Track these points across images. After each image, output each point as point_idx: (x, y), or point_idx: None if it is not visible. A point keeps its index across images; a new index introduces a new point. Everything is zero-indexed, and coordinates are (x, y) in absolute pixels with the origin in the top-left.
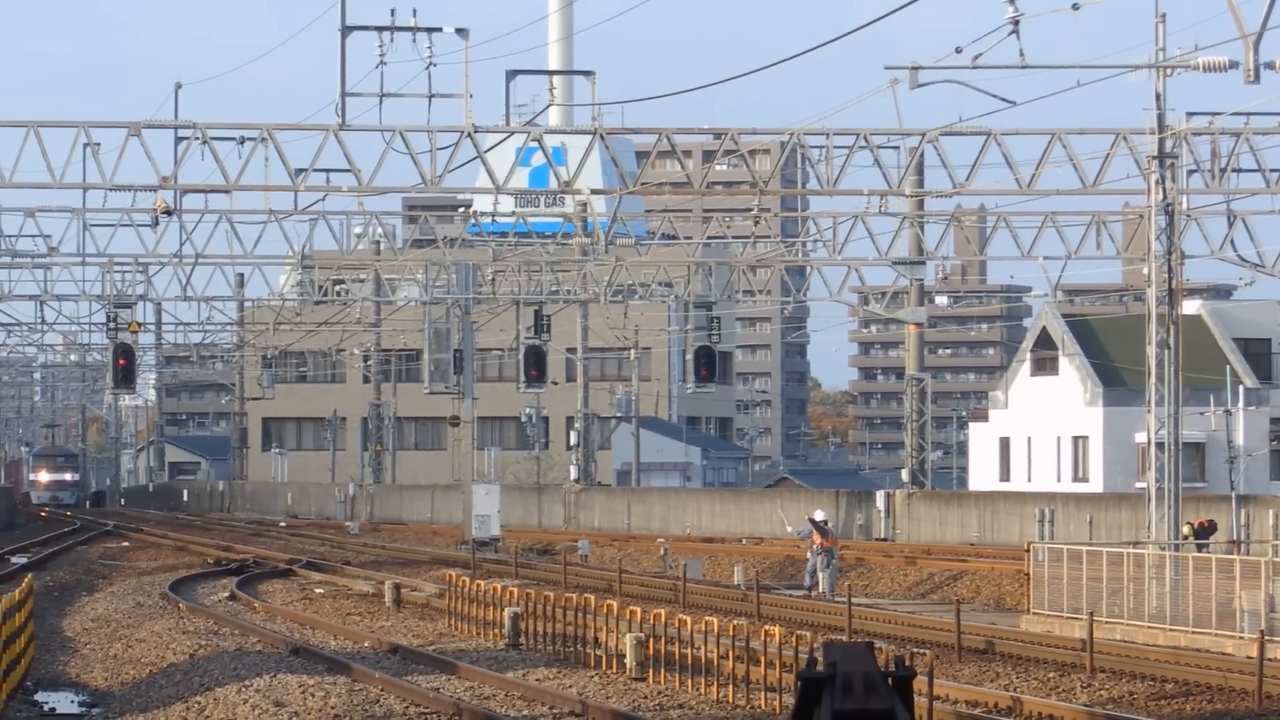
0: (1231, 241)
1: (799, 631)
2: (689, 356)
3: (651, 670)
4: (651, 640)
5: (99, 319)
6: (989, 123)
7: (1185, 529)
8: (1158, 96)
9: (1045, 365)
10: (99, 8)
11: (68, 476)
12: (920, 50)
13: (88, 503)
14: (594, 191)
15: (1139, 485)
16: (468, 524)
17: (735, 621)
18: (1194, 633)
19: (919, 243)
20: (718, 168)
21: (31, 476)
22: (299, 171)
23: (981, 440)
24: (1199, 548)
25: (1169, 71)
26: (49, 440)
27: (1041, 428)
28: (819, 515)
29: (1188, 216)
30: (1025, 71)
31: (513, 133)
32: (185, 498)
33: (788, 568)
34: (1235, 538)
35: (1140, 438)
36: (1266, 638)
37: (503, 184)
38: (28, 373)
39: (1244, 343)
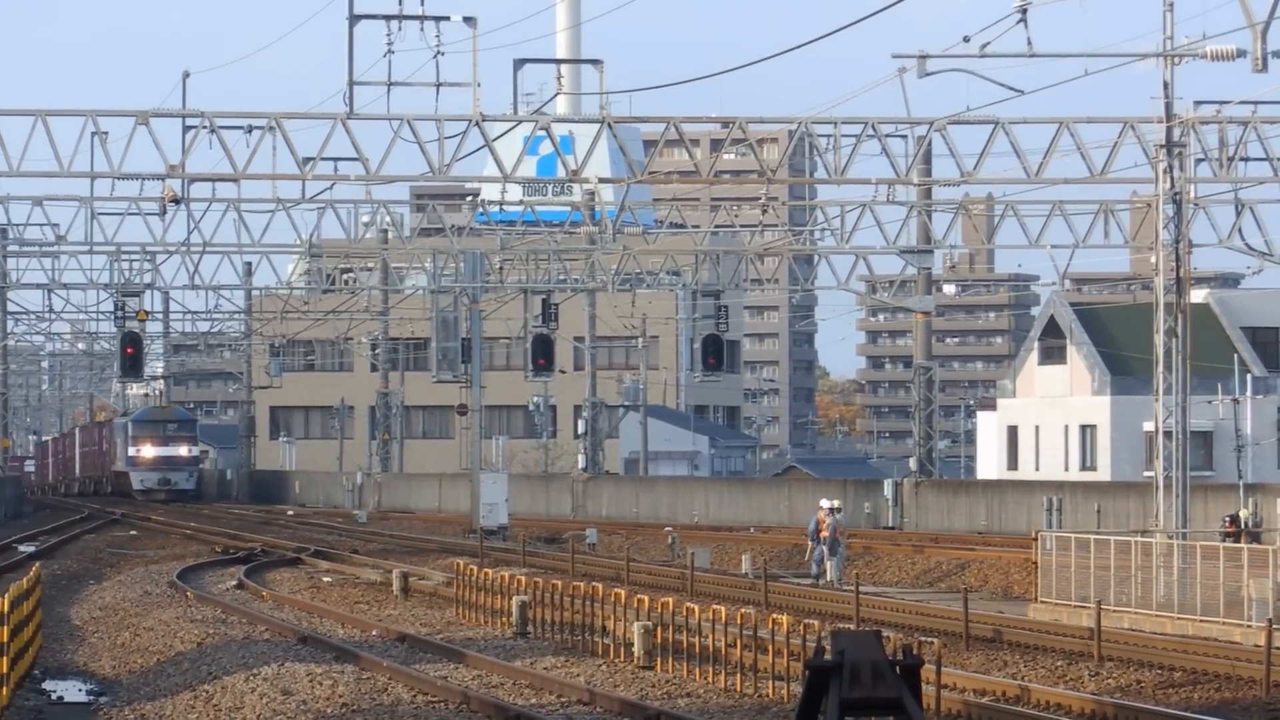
0: (1239, 230)
1: (807, 620)
2: (697, 345)
3: (659, 659)
4: (659, 629)
5: (107, 307)
6: (997, 112)
7: (1244, 513)
8: (1165, 85)
9: (1053, 354)
10: None
11: (183, 451)
12: (928, 39)
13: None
14: (602, 180)
15: (1147, 474)
16: (475, 512)
17: (743, 610)
18: (1202, 621)
19: (927, 231)
20: (725, 156)
21: (131, 451)
22: (307, 160)
23: (989, 429)
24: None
25: (1177, 60)
26: (155, 398)
27: (1049, 416)
28: (826, 503)
29: (1195, 205)
30: (1033, 60)
31: (520, 121)
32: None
33: (795, 556)
34: (1243, 527)
35: (1148, 426)
36: (1274, 626)
37: (510, 173)
38: (35, 361)
39: (1251, 331)
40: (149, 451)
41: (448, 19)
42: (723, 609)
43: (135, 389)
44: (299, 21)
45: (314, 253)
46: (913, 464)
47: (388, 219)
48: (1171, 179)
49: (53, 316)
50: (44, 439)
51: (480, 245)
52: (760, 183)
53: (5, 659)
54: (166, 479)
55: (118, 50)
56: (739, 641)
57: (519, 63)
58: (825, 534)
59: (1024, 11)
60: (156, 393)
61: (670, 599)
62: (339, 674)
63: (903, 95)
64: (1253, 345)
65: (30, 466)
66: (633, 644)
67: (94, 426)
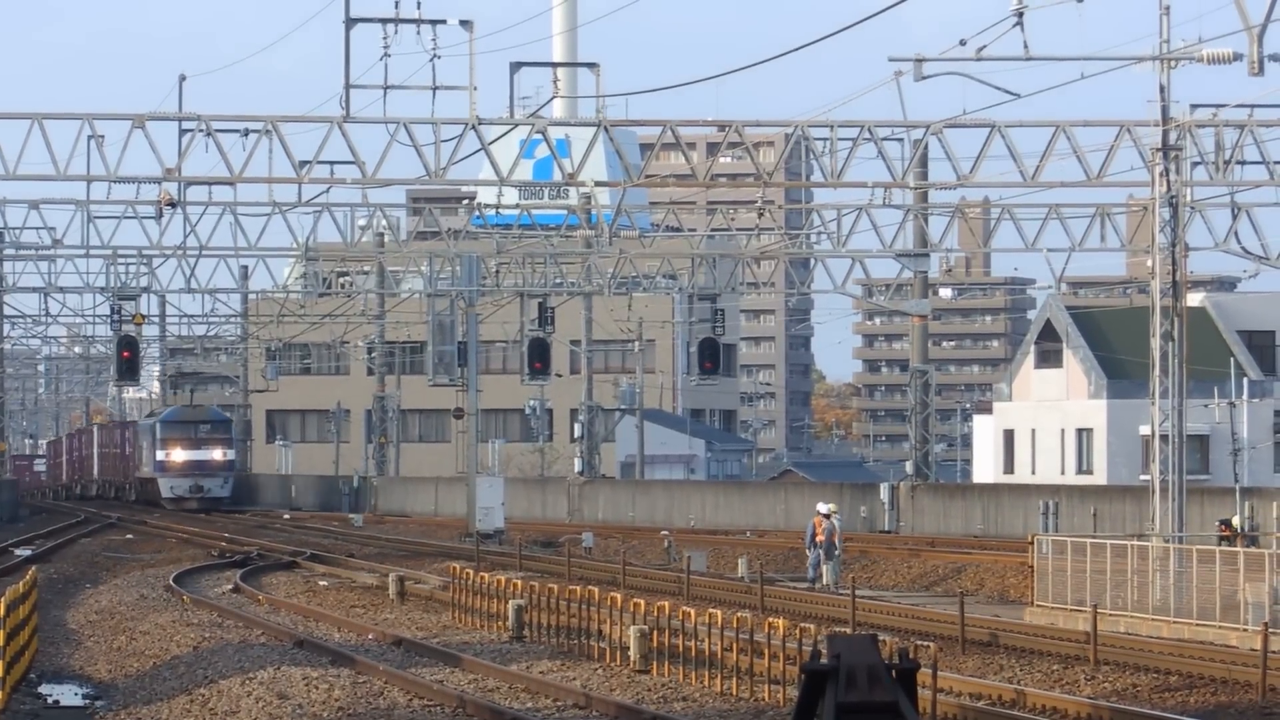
0: (1235, 234)
1: (803, 624)
2: (693, 349)
3: (655, 663)
4: (655, 633)
5: (103, 311)
6: (993, 115)
7: (1236, 520)
8: (1162, 89)
9: (1049, 357)
10: None
11: (217, 455)
12: (925, 42)
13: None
14: (598, 184)
15: (1143, 478)
16: (472, 516)
17: (739, 614)
18: (1198, 625)
19: (923, 235)
20: (722, 160)
21: (159, 456)
22: (303, 164)
23: (985, 432)
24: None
25: (1173, 64)
26: (183, 395)
27: (1046, 420)
28: (823, 508)
29: (1192, 209)
30: (1029, 64)
31: (517, 125)
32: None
33: (791, 560)
34: (1240, 530)
35: (1144, 430)
36: (1270, 630)
37: (507, 176)
38: (32, 365)
39: (1248, 335)
40: (180, 455)
41: (444, 22)
42: (719, 613)
43: (131, 392)
44: (295, 24)
45: (310, 256)
46: (909, 467)
47: (384, 222)
48: (1168, 182)
49: (49, 320)
50: (57, 436)
51: (476, 249)
52: (756, 186)
53: (1, 663)
54: (199, 486)
55: (114, 52)
56: (735, 645)
57: (515, 66)
58: (821, 538)
59: (1020, 15)
60: (150, 395)
61: (666, 603)
62: (335, 678)
63: (899, 98)
64: (1249, 349)
65: (40, 466)
66: (629, 648)
67: (115, 426)
